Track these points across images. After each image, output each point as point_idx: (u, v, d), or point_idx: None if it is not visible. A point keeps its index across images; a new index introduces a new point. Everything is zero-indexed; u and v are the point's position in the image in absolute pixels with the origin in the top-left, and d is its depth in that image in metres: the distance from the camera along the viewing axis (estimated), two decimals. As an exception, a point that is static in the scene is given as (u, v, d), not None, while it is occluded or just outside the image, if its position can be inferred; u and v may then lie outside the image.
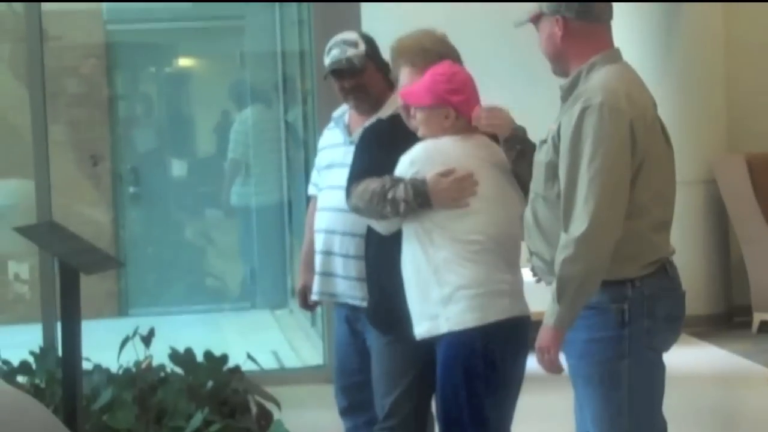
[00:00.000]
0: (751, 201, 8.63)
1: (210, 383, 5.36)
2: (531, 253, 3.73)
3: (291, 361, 8.16)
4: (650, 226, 3.60)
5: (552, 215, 3.60)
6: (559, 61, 3.70)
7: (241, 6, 10.23)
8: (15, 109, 8.66)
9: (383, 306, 4.28)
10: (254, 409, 5.36)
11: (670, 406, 3.78)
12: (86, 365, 5.10)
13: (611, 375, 3.59)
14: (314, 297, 4.72)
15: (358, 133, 4.54)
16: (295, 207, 9.40)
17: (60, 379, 4.58)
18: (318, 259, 4.62)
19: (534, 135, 3.95)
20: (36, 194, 7.21)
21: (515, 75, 8.47)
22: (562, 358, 3.58)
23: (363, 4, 7.37)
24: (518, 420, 4.17)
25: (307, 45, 8.10)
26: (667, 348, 3.71)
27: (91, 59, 9.98)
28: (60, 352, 4.71)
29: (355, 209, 4.21)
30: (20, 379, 5.59)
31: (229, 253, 10.37)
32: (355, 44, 4.58)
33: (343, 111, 4.72)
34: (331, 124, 4.76)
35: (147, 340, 5.54)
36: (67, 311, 4.27)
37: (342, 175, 4.37)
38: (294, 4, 8.89)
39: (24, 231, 4.63)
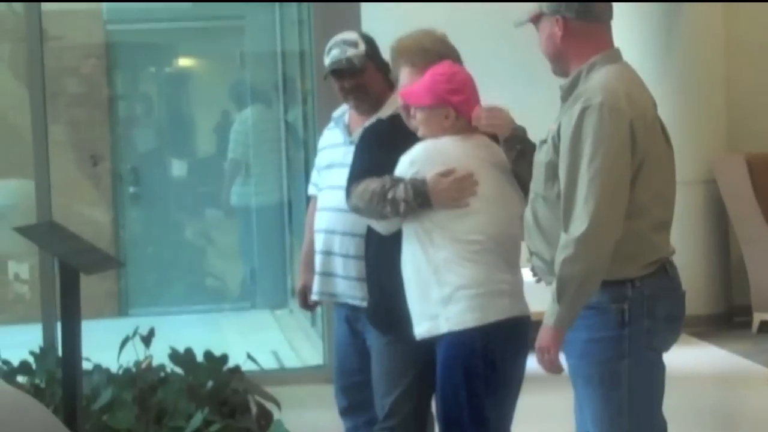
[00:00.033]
0: (751, 201, 8.63)
1: (210, 383, 5.36)
2: (531, 253, 3.73)
3: (291, 361, 8.16)
4: (650, 226, 3.60)
5: (552, 215, 3.60)
6: (559, 61, 3.70)
7: (241, 6, 10.23)
8: (15, 109, 8.66)
9: (383, 306, 4.28)
10: (254, 409, 5.36)
11: (670, 406, 3.78)
12: (86, 365, 5.10)
13: (611, 375, 3.59)
14: (314, 297, 4.72)
15: (358, 133, 4.54)
16: (295, 207, 9.40)
17: (60, 379, 4.58)
18: (318, 259, 4.62)
19: (534, 135, 3.95)
20: (36, 194, 7.21)
21: (515, 75, 8.48)
22: (562, 358, 3.58)
23: (363, 4, 7.37)
24: (518, 420, 4.17)
25: (307, 45, 8.10)
26: (667, 348, 3.71)
27: (91, 59, 9.98)
28: (60, 352, 4.71)
29: (355, 209, 4.21)
30: (20, 379, 5.59)
31: (229, 253, 10.37)
32: (355, 44, 4.58)
33: (343, 111, 4.72)
34: (331, 124, 4.76)
35: (147, 340, 5.54)
36: (67, 311, 4.28)
37: (342, 175, 4.37)
38: (294, 4, 8.89)
39: (24, 231, 4.63)
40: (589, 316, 3.57)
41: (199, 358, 5.59)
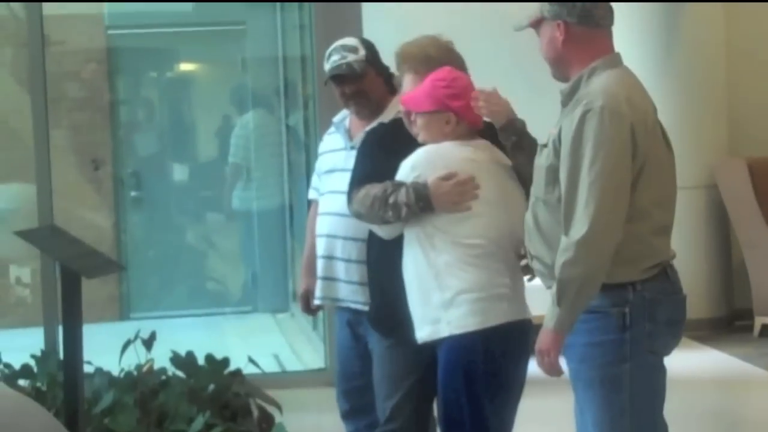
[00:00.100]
0: (753, 205, 8.64)
1: (211, 386, 5.37)
2: (531, 257, 3.74)
3: (292, 365, 8.16)
4: (651, 229, 3.61)
5: (553, 219, 3.60)
6: (560, 65, 3.70)
7: (243, 11, 10.23)
8: (17, 114, 8.66)
9: (385, 309, 4.29)
10: (255, 413, 5.36)
11: (671, 409, 3.78)
12: (88, 368, 5.09)
13: (612, 379, 3.60)
14: (317, 301, 4.73)
15: (359, 137, 4.54)
16: (296, 211, 9.40)
17: (61, 383, 4.59)
18: (320, 264, 4.63)
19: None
20: (37, 198, 7.21)
21: (515, 78, 8.46)
22: (562, 362, 3.58)
23: (364, 7, 7.36)
24: (519, 423, 4.17)
25: (308, 49, 8.10)
26: (668, 352, 3.71)
27: (92, 64, 9.98)
28: (61, 356, 4.71)
29: (357, 215, 4.21)
30: (22, 382, 5.60)
31: (231, 257, 10.38)
32: (355, 50, 4.58)
33: (344, 116, 4.73)
34: (332, 129, 4.77)
35: (148, 343, 5.54)
36: (68, 315, 4.28)
37: (343, 180, 4.38)
38: (295, 9, 8.89)
39: (25, 235, 4.64)
40: (589, 319, 3.57)
41: (201, 361, 5.60)
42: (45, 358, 5.84)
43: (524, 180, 3.99)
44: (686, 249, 7.31)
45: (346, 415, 4.71)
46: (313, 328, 8.40)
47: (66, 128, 9.76)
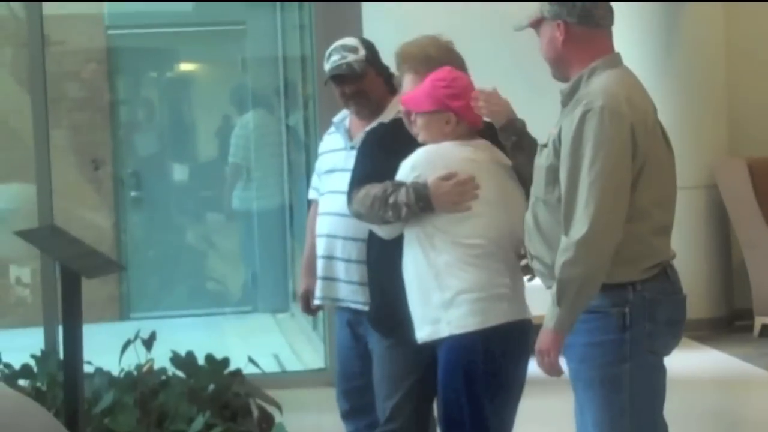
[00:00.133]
0: (753, 205, 8.64)
1: (211, 386, 5.37)
2: (531, 257, 3.74)
3: (292, 365, 8.16)
4: (651, 229, 3.61)
5: (553, 219, 3.60)
6: (560, 65, 3.70)
7: (243, 11, 10.23)
8: (17, 114, 8.66)
9: (385, 309, 4.29)
10: (255, 413, 5.36)
11: (672, 409, 3.79)
12: (88, 368, 5.09)
13: (612, 379, 3.60)
14: (317, 301, 4.73)
15: (359, 137, 4.54)
16: (296, 211, 9.41)
17: (61, 383, 4.59)
18: (320, 264, 4.63)
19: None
20: (37, 198, 7.21)
21: (515, 78, 8.46)
22: (562, 362, 3.58)
23: (364, 7, 7.36)
24: (519, 423, 4.17)
25: (308, 49, 8.10)
26: (668, 352, 3.71)
27: (91, 64, 9.98)
28: (61, 356, 4.71)
29: (357, 215, 4.21)
30: (22, 382, 5.60)
31: (231, 257, 10.38)
32: (354, 50, 4.58)
33: (344, 116, 4.73)
34: (332, 129, 4.77)
35: (148, 343, 5.54)
36: (68, 315, 4.28)
37: (343, 180, 4.38)
38: (295, 9, 8.89)
39: (25, 235, 4.64)
40: (589, 320, 3.57)
41: (201, 361, 5.60)
42: (45, 358, 5.84)
43: (524, 180, 3.99)
44: (686, 249, 7.31)
45: (346, 415, 4.71)
46: (313, 328, 8.40)
47: (66, 128, 9.76)
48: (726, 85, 9.02)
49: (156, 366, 5.58)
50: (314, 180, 4.87)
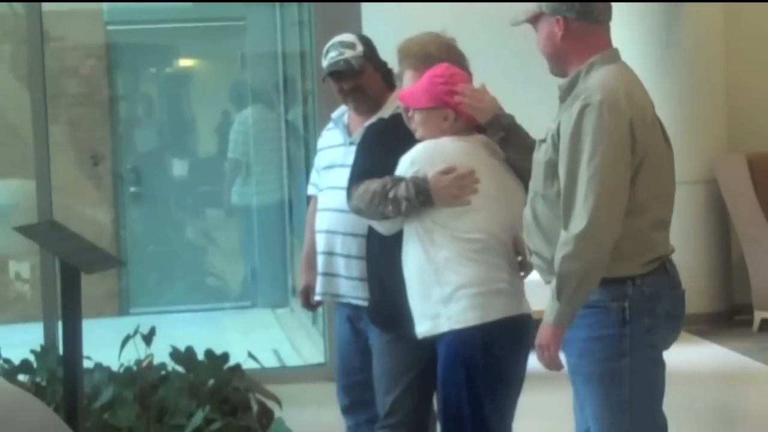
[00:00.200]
0: (752, 200, 8.65)
1: (211, 381, 5.37)
2: (530, 252, 3.74)
3: (292, 360, 8.17)
4: (650, 224, 3.61)
5: (552, 214, 3.60)
6: (558, 61, 3.70)
7: (242, 7, 10.23)
8: (16, 110, 8.66)
9: (384, 304, 4.29)
10: (255, 408, 5.37)
11: (671, 403, 3.79)
12: (87, 364, 5.11)
13: (612, 373, 3.60)
14: (317, 297, 4.73)
15: (358, 133, 4.54)
16: (295, 206, 9.41)
17: (61, 378, 4.59)
18: (320, 260, 4.63)
19: (533, 135, 3.95)
20: (37, 194, 7.21)
21: (515, 75, 8.47)
22: (562, 356, 3.59)
23: (363, 5, 7.37)
24: (519, 417, 4.17)
25: (307, 46, 8.11)
26: (667, 346, 3.71)
27: (90, 59, 9.98)
28: (61, 351, 4.72)
29: (356, 211, 4.21)
30: (21, 377, 5.61)
31: (230, 253, 10.38)
32: (352, 46, 4.58)
33: (342, 112, 4.72)
34: (330, 125, 4.77)
35: (148, 338, 5.55)
36: (68, 310, 4.29)
37: (342, 176, 4.38)
38: (294, 5, 8.89)
39: (25, 230, 4.64)
40: (589, 314, 3.57)
41: (200, 356, 5.60)
42: (44, 353, 5.84)
43: (517, 174, 4.01)
44: (686, 244, 7.32)
45: (346, 410, 4.71)
46: (313, 324, 8.40)
47: (65, 124, 9.76)
48: (725, 82, 9.03)
49: (155, 361, 5.59)
50: (313, 176, 4.87)
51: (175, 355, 5.58)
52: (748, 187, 8.65)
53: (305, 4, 8.03)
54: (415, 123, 4.11)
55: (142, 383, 5.24)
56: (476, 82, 4.14)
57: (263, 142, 9.84)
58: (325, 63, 4.60)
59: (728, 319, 8.93)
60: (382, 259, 4.25)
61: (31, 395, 2.48)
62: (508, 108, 4.13)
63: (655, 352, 3.67)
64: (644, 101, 3.65)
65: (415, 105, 4.10)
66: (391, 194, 4.02)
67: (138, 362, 5.54)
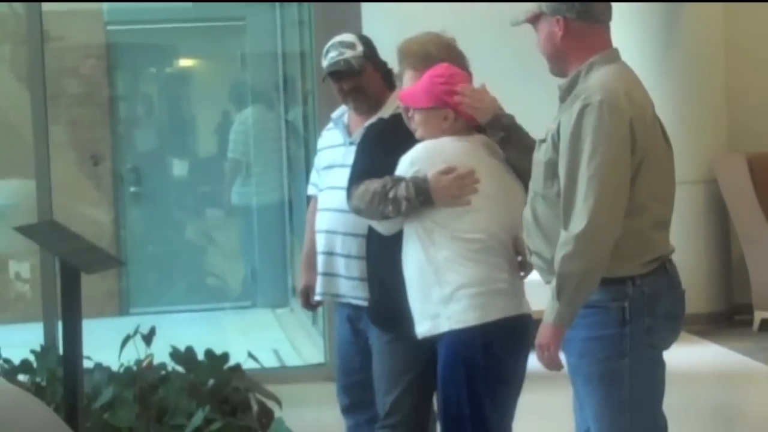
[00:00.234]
0: (752, 200, 8.65)
1: (211, 381, 5.37)
2: (530, 252, 3.74)
3: (292, 360, 8.17)
4: (650, 224, 3.61)
5: (552, 214, 3.60)
6: (557, 61, 3.70)
7: (242, 7, 10.23)
8: (16, 110, 8.66)
9: (384, 304, 4.29)
10: (255, 407, 5.37)
11: (671, 403, 3.79)
12: (87, 364, 5.11)
13: (612, 373, 3.60)
14: (317, 297, 4.73)
15: (358, 133, 4.54)
16: (295, 206, 9.41)
17: (61, 378, 4.59)
18: (320, 260, 4.63)
19: (533, 135, 3.95)
20: (37, 194, 7.21)
21: (515, 75, 8.47)
22: (562, 356, 3.59)
23: (363, 5, 7.37)
24: (519, 417, 4.17)
25: (307, 46, 8.11)
26: (667, 346, 3.71)
27: (90, 59, 9.99)
28: (61, 351, 4.72)
29: (356, 211, 4.21)
30: (21, 377, 5.60)
31: (230, 253, 10.38)
32: (352, 46, 4.58)
33: (342, 112, 4.72)
34: (330, 125, 4.77)
35: (148, 338, 5.55)
36: (68, 310, 4.28)
37: (342, 176, 4.38)
38: (294, 5, 8.89)
39: (25, 230, 4.64)
40: (589, 314, 3.57)
41: (200, 356, 5.60)
42: (44, 353, 5.84)
43: (517, 174, 4.01)
44: (686, 244, 7.32)
45: (346, 410, 4.71)
46: (313, 323, 8.41)
47: (65, 124, 9.76)
48: (725, 82, 9.03)
49: (155, 361, 5.59)
50: (313, 176, 4.87)
51: (175, 355, 5.58)
52: (748, 187, 8.65)
53: (305, 4, 8.03)
54: (415, 123, 4.11)
55: (142, 383, 5.24)
56: (476, 82, 4.14)
57: (263, 142, 9.84)
58: (325, 63, 4.60)
59: (728, 319, 8.93)
60: (382, 259, 4.25)
61: (31, 395, 2.48)
62: (508, 108, 4.13)
63: (655, 352, 3.67)
64: (644, 101, 3.65)
65: (415, 105, 4.10)
66: (391, 194, 4.02)
67: (138, 362, 5.54)
